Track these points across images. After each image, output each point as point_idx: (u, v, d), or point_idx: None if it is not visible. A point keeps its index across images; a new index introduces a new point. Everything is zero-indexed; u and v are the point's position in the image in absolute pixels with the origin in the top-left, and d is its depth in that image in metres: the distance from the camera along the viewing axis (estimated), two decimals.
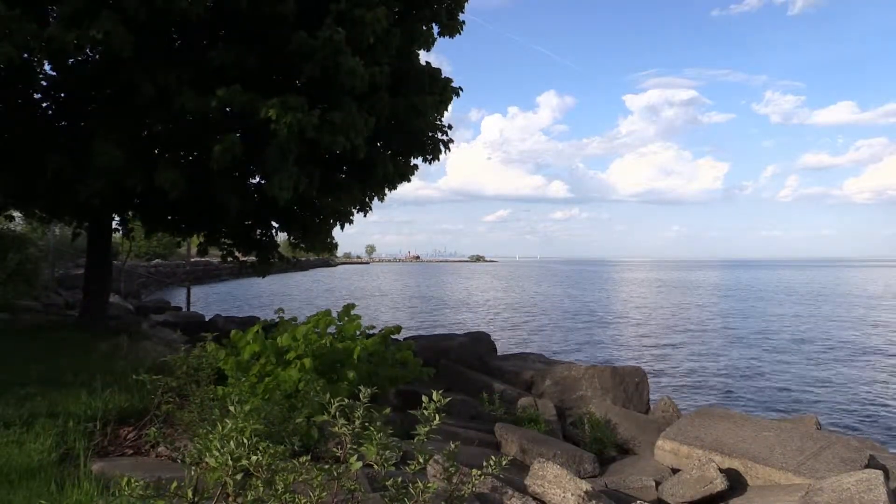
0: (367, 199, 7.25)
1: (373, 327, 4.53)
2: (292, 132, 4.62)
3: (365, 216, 7.32)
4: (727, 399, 8.06)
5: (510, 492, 2.43)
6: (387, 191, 7.24)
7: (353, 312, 4.34)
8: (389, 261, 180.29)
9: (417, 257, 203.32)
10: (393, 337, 4.68)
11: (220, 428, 1.64)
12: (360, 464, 1.69)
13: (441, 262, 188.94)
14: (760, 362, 10.23)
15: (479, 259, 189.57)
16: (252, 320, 9.16)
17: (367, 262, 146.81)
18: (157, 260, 28.01)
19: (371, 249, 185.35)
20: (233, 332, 3.88)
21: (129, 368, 3.72)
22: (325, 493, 1.60)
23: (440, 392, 1.92)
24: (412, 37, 6.18)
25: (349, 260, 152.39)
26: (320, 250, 7.43)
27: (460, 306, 23.02)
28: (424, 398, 1.90)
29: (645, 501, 2.95)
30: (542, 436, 4.07)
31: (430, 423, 1.78)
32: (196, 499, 1.53)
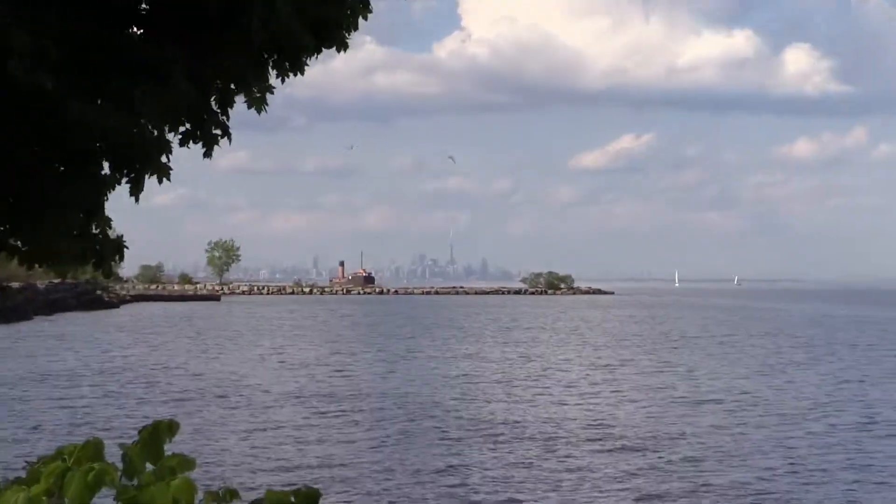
0: (214, 106, 7.31)
1: (232, 496, 4.53)
2: None
3: (209, 155, 7.31)
4: None
5: None
6: (276, 75, 7.26)
7: (171, 450, 4.31)
8: (283, 290, 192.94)
9: (368, 278, 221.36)
10: None
11: None
12: None
13: (438, 293, 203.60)
14: None
15: (555, 286, 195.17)
16: None
17: (215, 296, 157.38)
18: None
19: (227, 258, 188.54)
20: None
21: None
22: None
23: None
24: None
25: (160, 290, 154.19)
26: (61, 266, 7.54)
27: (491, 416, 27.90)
28: None
29: None
30: None
31: None
32: None
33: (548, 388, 37.71)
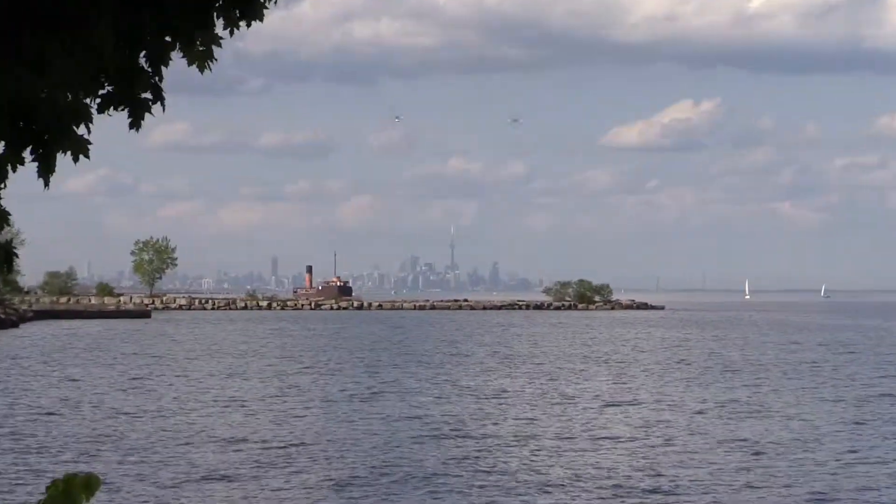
0: (143, 63, 7.13)
1: None
2: None
3: (137, 126, 7.14)
4: None
5: None
6: (224, 25, 7.10)
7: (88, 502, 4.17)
8: (233, 304, 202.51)
9: (344, 288, 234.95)
10: None
11: None
12: None
13: (435, 307, 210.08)
14: None
15: (588, 299, 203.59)
16: None
17: (144, 312, 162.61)
18: None
19: (160, 263, 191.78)
20: None
21: None
22: None
23: None
24: None
25: (72, 305, 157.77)
26: None
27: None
28: None
29: None
30: None
31: None
32: None
33: (572, 431, 38.06)
